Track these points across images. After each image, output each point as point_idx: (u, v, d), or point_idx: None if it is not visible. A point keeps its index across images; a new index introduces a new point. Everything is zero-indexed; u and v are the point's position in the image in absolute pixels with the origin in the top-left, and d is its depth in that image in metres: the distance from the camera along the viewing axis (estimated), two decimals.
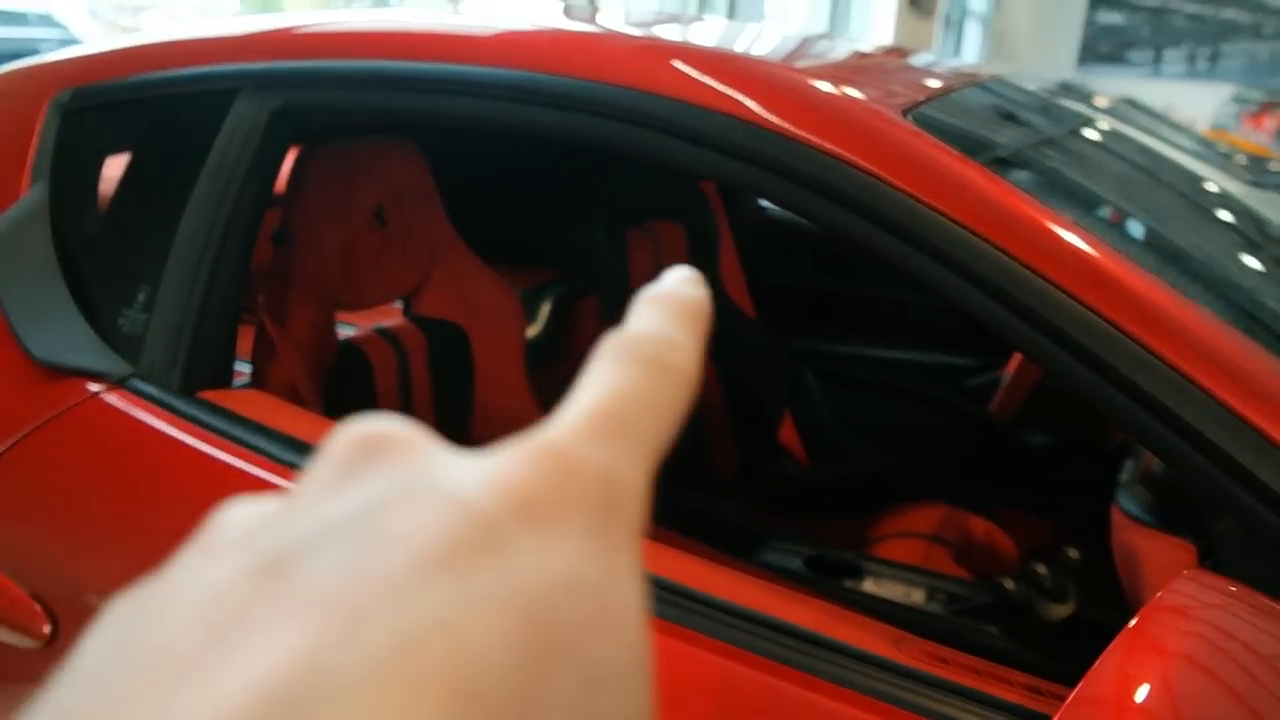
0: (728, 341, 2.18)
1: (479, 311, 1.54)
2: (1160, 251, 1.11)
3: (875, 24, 10.06)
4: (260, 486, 0.94)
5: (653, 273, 1.72)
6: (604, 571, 0.19)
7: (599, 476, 0.20)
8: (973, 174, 0.82)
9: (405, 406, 1.42)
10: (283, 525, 0.19)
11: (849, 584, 1.64)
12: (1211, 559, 1.12)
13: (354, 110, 1.06)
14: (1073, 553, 1.56)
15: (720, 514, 1.91)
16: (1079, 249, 0.79)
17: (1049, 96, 1.69)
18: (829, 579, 1.66)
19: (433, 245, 1.47)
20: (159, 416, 0.99)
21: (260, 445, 0.95)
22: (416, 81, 0.99)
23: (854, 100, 0.92)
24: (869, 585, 1.64)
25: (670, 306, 0.26)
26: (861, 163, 0.82)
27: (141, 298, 1.05)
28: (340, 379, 1.29)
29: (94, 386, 1.01)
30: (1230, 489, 0.71)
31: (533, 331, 1.97)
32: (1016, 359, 2.00)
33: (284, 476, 0.94)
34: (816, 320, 2.50)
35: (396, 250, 1.39)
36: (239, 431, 0.97)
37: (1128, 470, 1.36)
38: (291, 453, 0.95)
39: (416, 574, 0.17)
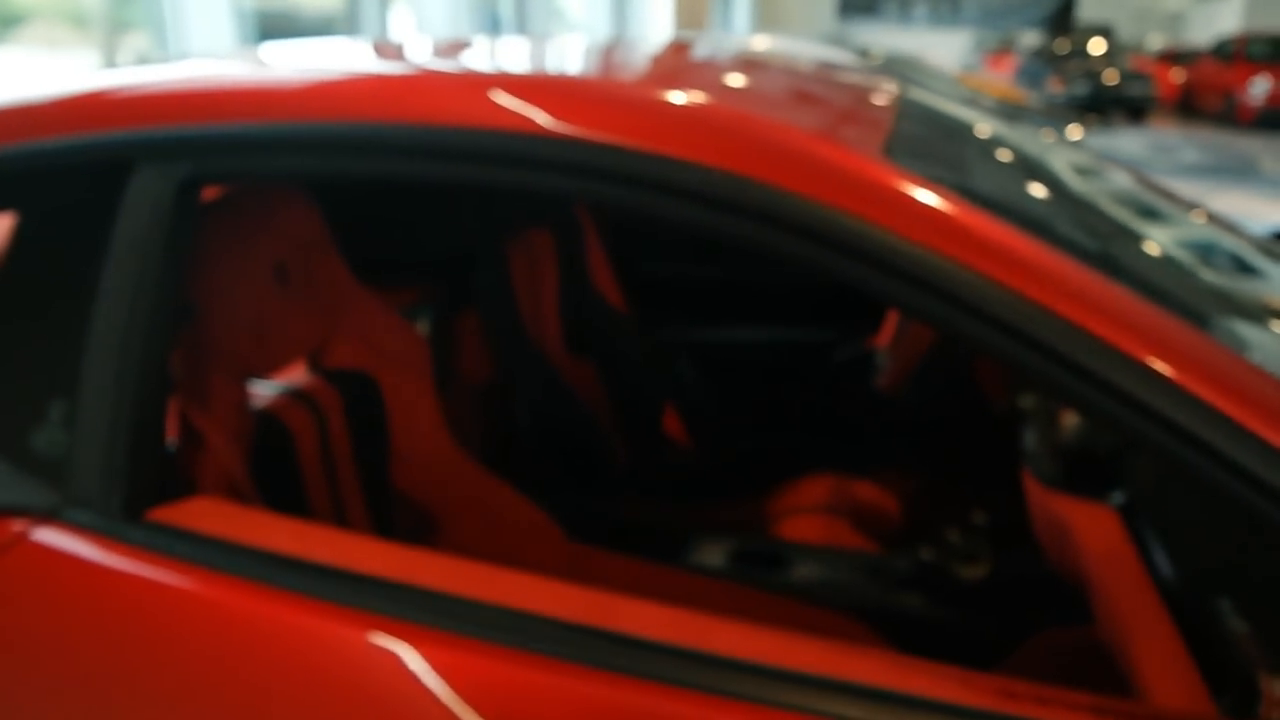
0: (603, 340, 2.17)
1: (388, 357, 1.45)
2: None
3: (654, 4, 10.40)
4: (246, 619, 0.85)
5: (528, 281, 1.69)
6: None
7: None
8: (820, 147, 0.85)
9: (329, 469, 1.32)
10: None
11: (777, 575, 1.69)
12: (1131, 520, 1.22)
13: (273, 176, 0.96)
14: (979, 516, 1.66)
15: (641, 519, 1.91)
16: (927, 203, 0.82)
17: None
18: (757, 572, 1.70)
19: (336, 295, 1.37)
20: (107, 548, 0.87)
21: (239, 567, 0.86)
22: (355, 144, 0.91)
23: (701, 105, 0.93)
24: (798, 573, 1.69)
25: None
26: (725, 166, 0.83)
27: (56, 413, 0.92)
28: (263, 454, 1.18)
29: (16, 525, 0.88)
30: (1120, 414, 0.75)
31: None
32: (889, 334, 2.09)
33: (270, 601, 0.85)
34: (685, 308, 2.53)
35: (302, 307, 1.29)
36: (207, 554, 0.86)
37: (1032, 439, 1.44)
38: (276, 569, 0.86)
39: None
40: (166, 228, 0.93)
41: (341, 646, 0.84)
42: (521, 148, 0.86)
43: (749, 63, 1.43)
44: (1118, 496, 1.23)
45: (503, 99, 0.89)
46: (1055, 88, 15.39)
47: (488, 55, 1.27)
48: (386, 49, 1.25)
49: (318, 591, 0.84)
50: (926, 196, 0.82)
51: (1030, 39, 19.95)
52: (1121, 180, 1.67)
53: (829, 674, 0.77)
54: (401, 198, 1.90)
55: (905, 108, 1.28)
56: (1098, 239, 1.22)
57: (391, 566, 0.87)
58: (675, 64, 1.35)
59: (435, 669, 0.81)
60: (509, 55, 1.29)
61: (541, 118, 0.87)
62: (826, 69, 1.61)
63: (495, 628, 0.82)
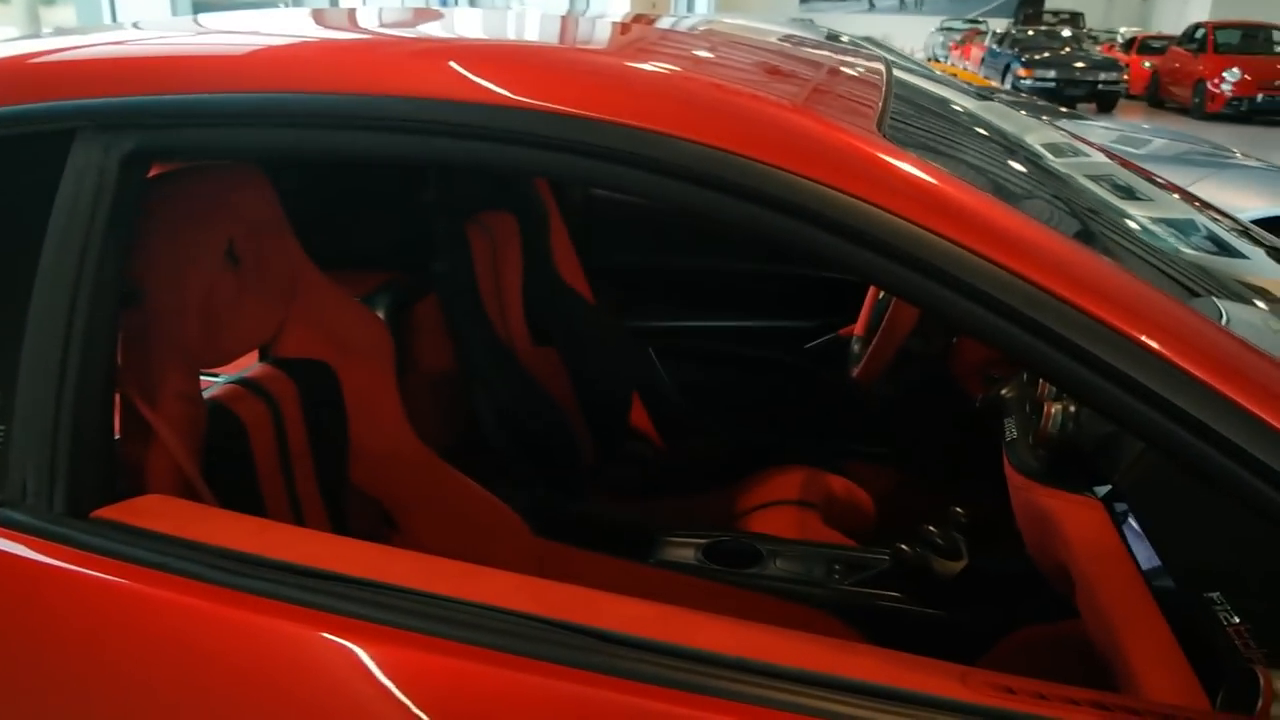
0: (568, 329, 2.12)
1: (345, 345, 1.40)
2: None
3: None
4: (202, 622, 0.80)
5: (491, 267, 1.63)
6: None
7: None
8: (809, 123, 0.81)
9: (284, 464, 1.27)
10: None
11: (751, 571, 1.65)
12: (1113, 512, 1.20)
13: (227, 152, 0.90)
14: (960, 511, 1.63)
15: (610, 515, 1.87)
16: (920, 180, 0.78)
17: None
18: (731, 568, 1.67)
19: (291, 280, 1.31)
20: (50, 551, 0.82)
21: (193, 568, 0.81)
22: (318, 117, 0.85)
23: (676, 75, 0.89)
24: (774, 568, 1.66)
25: None
26: (698, 137, 0.79)
27: None
28: (215, 448, 1.13)
29: None
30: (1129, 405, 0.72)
31: None
32: (863, 324, 2.06)
33: (228, 603, 0.80)
34: (651, 298, 2.49)
35: (254, 292, 1.23)
36: (159, 555, 0.81)
37: (1012, 431, 1.42)
38: (232, 570, 0.81)
39: None
40: (110, 204, 0.88)
41: (301, 648, 0.79)
42: (497, 120, 0.81)
43: (729, 40, 1.38)
44: (1101, 489, 1.21)
45: (474, 69, 0.84)
46: (1023, 76, 15.44)
47: (448, 25, 1.22)
48: (336, 19, 1.19)
49: (277, 593, 0.80)
50: (920, 173, 0.78)
51: (998, 26, 19.98)
52: (1106, 163, 1.65)
53: (825, 671, 0.74)
54: (358, 178, 1.84)
55: (890, 83, 1.24)
56: (1093, 220, 1.19)
57: (354, 564, 0.82)
58: (645, 36, 1.30)
59: (394, 668, 0.77)
60: (470, 26, 1.24)
61: (511, 88, 0.82)
62: (802, 44, 1.57)
63: (458, 625, 0.78)
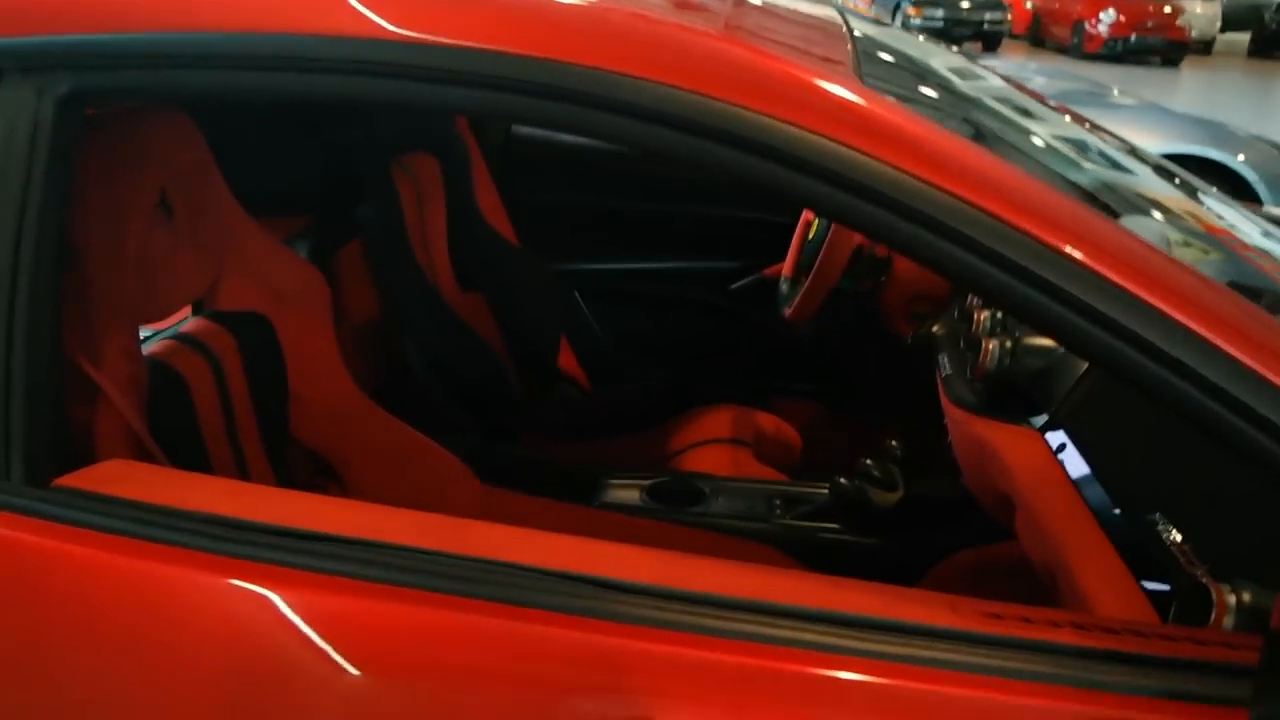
0: (494, 273, 2.09)
1: (281, 295, 1.35)
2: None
3: None
4: (183, 587, 0.78)
5: (417, 212, 1.58)
6: None
7: None
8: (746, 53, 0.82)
9: (228, 418, 1.22)
10: None
11: (696, 509, 1.68)
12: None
13: (171, 94, 0.85)
14: (895, 443, 1.68)
15: (543, 458, 1.87)
16: (853, 103, 0.79)
17: None
18: (674, 508, 1.69)
19: (225, 228, 1.25)
20: (11, 524, 0.77)
21: (168, 535, 0.77)
22: (266, 59, 0.81)
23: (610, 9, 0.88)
24: (717, 505, 1.69)
25: None
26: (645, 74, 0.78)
27: None
28: (157, 405, 1.08)
29: None
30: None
31: None
32: (791, 263, 2.08)
33: (208, 567, 0.77)
34: (574, 239, 2.46)
35: (189, 242, 1.17)
36: (131, 523, 0.78)
37: (949, 365, 1.46)
38: (210, 535, 0.78)
39: None
40: (48, 150, 0.82)
41: (292, 610, 0.77)
42: (431, 59, 0.78)
43: None
44: (1037, 420, 1.26)
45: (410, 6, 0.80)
46: (912, 15, 15.67)
47: None
48: None
49: (261, 556, 0.77)
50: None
51: None
52: (1006, 86, 1.69)
53: (821, 607, 0.75)
54: (273, 119, 1.76)
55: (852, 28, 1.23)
56: (1011, 139, 1.22)
57: (341, 524, 0.80)
58: None
59: (388, 624, 0.76)
60: None
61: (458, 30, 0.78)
62: None
63: (467, 581, 0.77)
